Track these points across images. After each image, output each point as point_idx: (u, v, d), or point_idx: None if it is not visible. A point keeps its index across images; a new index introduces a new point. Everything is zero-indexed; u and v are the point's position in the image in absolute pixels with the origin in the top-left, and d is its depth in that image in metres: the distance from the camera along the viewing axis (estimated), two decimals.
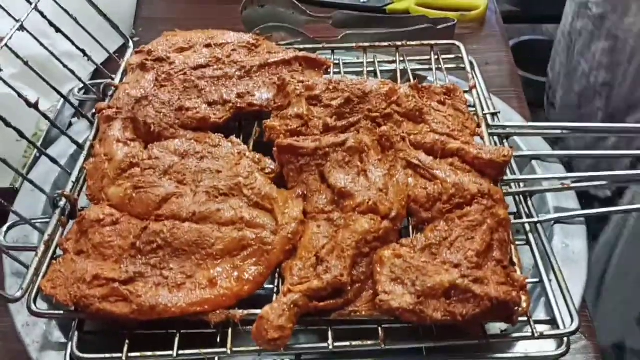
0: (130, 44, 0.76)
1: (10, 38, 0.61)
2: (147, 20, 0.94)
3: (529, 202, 0.60)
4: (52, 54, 0.67)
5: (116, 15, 0.81)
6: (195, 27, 0.87)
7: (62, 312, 0.50)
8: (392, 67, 0.76)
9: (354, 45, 0.78)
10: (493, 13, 0.95)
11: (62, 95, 0.66)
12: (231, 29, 0.84)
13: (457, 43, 0.77)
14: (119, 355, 0.48)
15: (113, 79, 0.72)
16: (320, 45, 0.78)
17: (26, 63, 0.61)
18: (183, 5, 0.98)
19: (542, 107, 1.71)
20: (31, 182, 0.57)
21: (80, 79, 0.68)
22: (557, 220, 0.60)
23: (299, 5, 0.88)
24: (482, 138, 0.64)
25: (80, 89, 0.71)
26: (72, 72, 0.67)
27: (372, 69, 0.76)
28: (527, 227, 0.58)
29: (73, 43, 0.69)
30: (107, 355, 0.48)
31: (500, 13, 0.97)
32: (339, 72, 0.75)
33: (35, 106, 0.59)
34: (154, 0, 0.98)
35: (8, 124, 0.56)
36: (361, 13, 0.92)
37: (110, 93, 0.69)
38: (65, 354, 0.49)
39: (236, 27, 0.86)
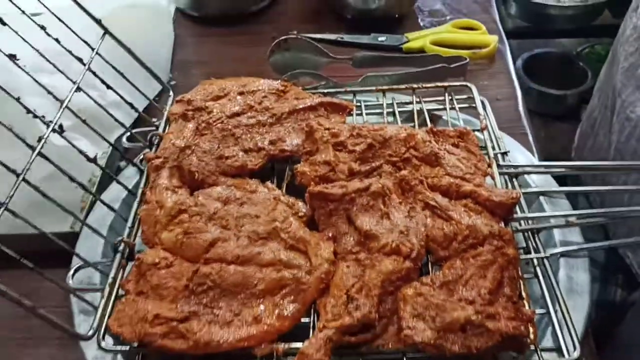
0: (171, 92, 0.84)
1: (69, 100, 0.68)
2: (182, 63, 1.02)
3: (536, 238, 0.66)
4: (103, 108, 0.74)
5: (155, 59, 0.89)
6: (225, 68, 0.95)
7: (128, 347, 0.58)
8: (409, 107, 0.83)
9: (373, 88, 0.85)
10: (503, 50, 1.01)
11: (113, 147, 0.74)
12: (258, 69, 0.92)
13: (469, 85, 0.83)
14: None
15: (156, 126, 0.79)
16: (343, 89, 0.85)
17: (84, 121, 0.69)
18: (214, 47, 1.05)
19: (555, 119, 1.75)
20: (93, 229, 0.64)
21: (129, 130, 0.76)
22: (562, 254, 0.66)
23: (321, 47, 0.94)
24: (493, 178, 0.71)
25: (127, 137, 0.79)
26: (122, 124, 0.75)
27: (390, 110, 0.83)
28: (535, 261, 0.64)
29: (121, 97, 0.76)
30: None
31: (514, 29, 1.03)
32: (361, 114, 0.82)
33: (94, 161, 0.67)
34: (187, 43, 1.05)
35: (72, 179, 0.64)
36: (379, 53, 0.98)
37: (155, 141, 0.77)
38: None
39: (263, 67, 0.94)
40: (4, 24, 0.66)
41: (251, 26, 1.10)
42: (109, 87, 0.74)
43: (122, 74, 0.77)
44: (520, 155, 0.78)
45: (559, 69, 2.02)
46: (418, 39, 1.02)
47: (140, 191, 0.71)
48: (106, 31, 0.78)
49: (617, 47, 0.82)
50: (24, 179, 0.59)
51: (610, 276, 0.99)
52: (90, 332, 0.57)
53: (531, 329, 0.56)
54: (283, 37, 0.93)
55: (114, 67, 0.76)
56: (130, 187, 0.74)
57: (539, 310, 0.61)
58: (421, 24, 1.08)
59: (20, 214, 0.56)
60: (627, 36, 0.78)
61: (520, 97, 0.92)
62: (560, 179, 0.75)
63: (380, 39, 1.03)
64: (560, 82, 1.93)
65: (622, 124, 0.77)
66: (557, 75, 1.98)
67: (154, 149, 0.76)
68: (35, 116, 0.63)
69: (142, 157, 0.76)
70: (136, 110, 0.78)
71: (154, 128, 0.79)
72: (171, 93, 0.84)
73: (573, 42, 2.13)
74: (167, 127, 0.79)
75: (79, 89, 0.71)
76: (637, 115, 0.73)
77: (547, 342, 0.60)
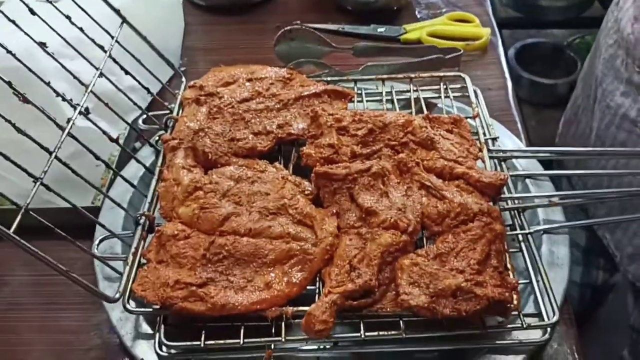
0: (184, 78, 0.89)
1: (94, 85, 0.74)
2: (191, 50, 1.07)
3: (522, 216, 0.73)
4: (121, 91, 0.79)
5: (166, 47, 0.94)
6: (232, 56, 1.01)
7: (151, 309, 0.64)
8: (406, 95, 0.89)
9: (373, 77, 0.91)
10: (495, 42, 1.06)
11: (132, 127, 0.79)
12: (263, 57, 0.98)
13: (463, 75, 0.89)
14: (198, 343, 0.61)
15: (170, 110, 0.85)
16: (345, 78, 0.91)
17: (107, 105, 0.75)
18: (221, 35, 1.11)
19: (547, 107, 1.81)
20: (117, 203, 0.70)
21: (146, 113, 0.82)
22: (545, 231, 0.73)
23: (324, 37, 1.00)
24: (483, 161, 0.77)
25: (143, 119, 0.84)
26: (140, 107, 0.81)
27: (389, 97, 0.89)
28: (520, 237, 0.71)
29: (138, 81, 0.82)
30: (189, 343, 0.62)
31: (507, 20, 1.09)
32: (361, 101, 0.88)
33: (116, 141, 0.73)
34: (195, 31, 1.10)
35: (97, 157, 0.70)
36: (378, 43, 1.04)
37: (170, 124, 0.82)
38: (154, 342, 0.63)
39: (269, 55, 1.00)
40: (34, 13, 0.71)
41: (256, 16, 1.15)
42: (127, 72, 0.80)
43: (139, 61, 0.82)
44: (509, 141, 0.85)
45: (550, 58, 2.08)
46: (415, 31, 1.08)
47: (157, 170, 0.76)
48: (124, 20, 0.83)
49: (600, 38, 0.88)
50: (55, 157, 0.64)
51: (592, 259, 1.06)
52: (117, 295, 0.63)
53: (515, 296, 0.63)
54: (288, 27, 0.99)
55: (131, 54, 0.82)
56: (146, 165, 0.79)
57: (522, 281, 0.67)
58: (418, 16, 1.14)
59: (33, 190, 0.61)
60: (609, 28, 0.84)
61: (510, 87, 0.98)
62: (546, 163, 0.82)
63: (379, 30, 1.08)
64: (550, 71, 1.99)
65: (602, 112, 0.83)
66: (548, 64, 2.04)
67: (169, 131, 0.81)
68: (64, 99, 0.69)
69: (157, 138, 0.82)
70: (152, 94, 0.83)
71: (168, 112, 0.84)
72: (183, 79, 0.89)
73: (564, 33, 2.19)
74: (181, 111, 0.84)
75: (101, 75, 0.76)
76: (616, 103, 0.80)
77: (529, 308, 0.66)
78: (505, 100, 0.95)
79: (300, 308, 0.62)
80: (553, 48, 2.15)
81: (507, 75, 0.99)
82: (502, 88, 0.97)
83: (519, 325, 0.62)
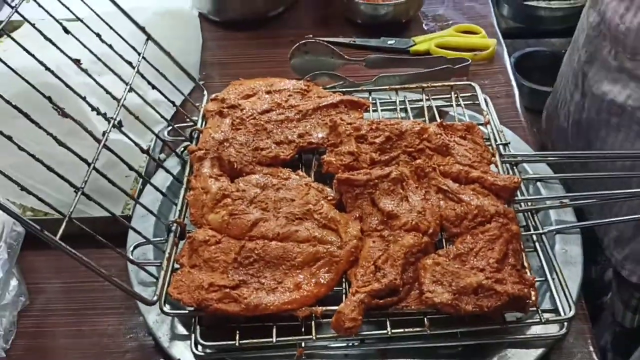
0: (205, 92, 0.93)
1: (125, 99, 0.77)
2: (209, 64, 1.11)
3: (535, 217, 0.76)
4: (149, 104, 0.83)
5: (186, 62, 0.98)
6: (248, 69, 1.05)
7: (186, 311, 0.67)
8: (419, 104, 0.93)
9: (387, 87, 0.94)
10: (501, 51, 1.10)
11: (160, 139, 0.83)
12: (278, 70, 1.02)
13: (473, 84, 0.93)
14: (233, 342, 0.65)
15: (193, 122, 0.89)
16: (359, 88, 0.95)
17: (137, 118, 0.78)
18: (236, 49, 1.15)
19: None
20: (150, 210, 0.74)
21: (172, 125, 0.85)
22: (558, 231, 0.76)
23: (337, 50, 1.04)
24: (496, 166, 0.81)
25: (169, 132, 0.88)
26: (166, 119, 0.84)
27: (403, 106, 0.92)
28: (535, 237, 0.74)
29: (164, 95, 0.85)
30: (224, 343, 0.65)
31: (508, 29, 1.13)
32: (376, 110, 0.92)
33: (147, 152, 0.76)
34: (211, 46, 1.14)
35: (131, 168, 0.73)
36: (389, 55, 1.08)
37: (195, 135, 0.86)
38: (191, 343, 0.66)
39: (283, 68, 1.03)
40: (68, 32, 0.75)
41: (269, 30, 1.19)
42: (154, 87, 0.83)
43: (164, 76, 0.86)
44: (519, 146, 0.88)
45: (549, 66, 2.12)
46: (424, 42, 1.12)
47: (185, 179, 0.80)
48: (149, 37, 0.87)
49: (578, 39, 0.93)
50: (94, 168, 0.68)
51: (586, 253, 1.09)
52: (155, 298, 0.66)
53: (532, 293, 0.66)
54: (302, 41, 1.03)
55: (156, 69, 0.85)
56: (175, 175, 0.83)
57: (538, 279, 0.70)
58: (425, 28, 1.18)
59: (75, 200, 0.64)
60: (589, 25, 0.88)
61: (517, 94, 1.01)
62: (554, 167, 0.85)
63: (389, 42, 1.12)
64: (550, 80, 2.03)
65: (590, 101, 0.88)
66: (547, 72, 2.08)
67: (194, 142, 0.85)
68: (99, 113, 0.72)
69: (182, 149, 0.86)
70: (177, 107, 0.87)
71: (191, 124, 0.88)
72: (205, 92, 0.93)
73: (562, 42, 2.23)
74: (204, 123, 0.88)
75: (131, 89, 0.80)
76: (602, 91, 0.85)
77: (546, 305, 0.69)
78: (512, 108, 0.99)
79: (329, 307, 0.66)
80: (551, 56, 2.19)
81: (513, 83, 1.03)
82: (509, 96, 1.01)
83: (538, 320, 0.66)
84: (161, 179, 0.84)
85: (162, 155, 0.92)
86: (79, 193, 0.65)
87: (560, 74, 1.05)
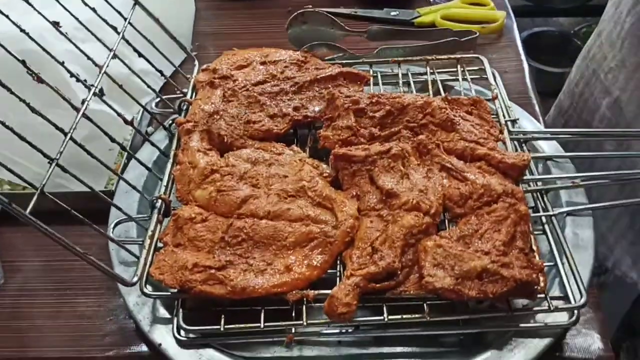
0: (196, 62, 0.87)
1: (107, 66, 0.72)
2: (202, 34, 1.05)
3: (545, 198, 0.71)
4: (135, 74, 0.78)
5: (178, 31, 0.92)
6: (245, 41, 0.99)
7: (169, 292, 0.63)
8: (423, 78, 0.88)
9: (389, 59, 0.89)
10: (510, 25, 1.05)
11: (147, 110, 0.78)
12: (275, 42, 0.96)
13: (481, 57, 0.88)
14: (217, 327, 0.60)
15: (183, 93, 0.83)
16: (360, 60, 0.90)
17: (121, 86, 0.73)
18: (231, 20, 1.09)
19: (554, 96, 1.81)
20: (132, 186, 0.69)
21: (160, 96, 0.80)
22: (569, 213, 0.71)
23: (337, 21, 0.98)
24: (504, 143, 0.75)
25: (157, 103, 0.83)
26: (154, 90, 0.79)
27: (405, 80, 0.87)
28: (544, 219, 0.69)
29: (152, 64, 0.80)
30: (208, 327, 0.61)
31: (514, 7, 1.08)
32: (377, 84, 0.86)
33: (131, 123, 0.71)
34: (207, 16, 1.09)
35: (113, 140, 0.68)
36: (392, 26, 1.02)
37: (184, 107, 0.81)
38: (173, 327, 0.61)
39: (280, 39, 0.98)
40: None
41: (266, 0, 1.14)
42: (140, 55, 0.78)
43: (151, 43, 0.81)
44: (529, 123, 0.83)
45: (557, 47, 2.06)
46: (429, 14, 1.06)
47: (172, 153, 0.75)
48: (136, 2, 0.82)
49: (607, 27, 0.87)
50: (71, 138, 0.63)
51: None
52: (135, 279, 0.61)
53: (541, 278, 0.61)
54: (300, 11, 0.97)
55: (143, 36, 0.80)
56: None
57: (547, 263, 0.65)
58: None
59: (49, 172, 0.59)
60: (628, 7, 0.82)
61: (527, 70, 0.96)
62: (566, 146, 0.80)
63: (392, 13, 1.07)
64: (557, 60, 1.98)
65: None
66: (555, 53, 2.02)
67: (183, 114, 0.80)
68: (78, 80, 0.68)
69: (171, 121, 0.81)
70: (165, 77, 0.82)
71: (181, 95, 0.83)
72: (196, 62, 0.87)
73: (571, 21, 2.17)
74: (194, 95, 0.83)
75: (115, 56, 0.75)
76: None
77: (555, 291, 0.65)
78: (522, 83, 0.94)
79: (322, 291, 0.61)
80: (560, 37, 2.13)
81: (523, 58, 0.98)
82: (518, 71, 0.96)
83: (546, 308, 0.61)
84: (147, 153, 0.80)
85: (150, 129, 0.87)
86: (53, 164, 0.60)
87: (578, 66, 0.98)
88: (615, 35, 0.86)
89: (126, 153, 0.77)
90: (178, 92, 0.84)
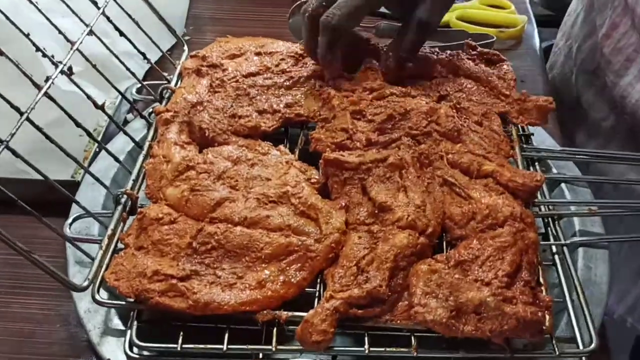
0: (186, 47, 0.80)
1: (81, 42, 0.65)
2: (197, 18, 0.98)
3: (557, 225, 0.63)
4: (115, 55, 0.71)
5: (170, 13, 0.86)
6: (243, 28, 0.92)
7: (123, 302, 0.55)
8: None
9: None
10: (531, 31, 0.97)
11: (123, 96, 0.71)
12: (276, 31, 0.89)
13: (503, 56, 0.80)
14: (175, 345, 0.53)
15: (168, 80, 0.76)
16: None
17: (94, 66, 0.66)
18: (231, 5, 1.02)
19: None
20: (96, 178, 0.62)
21: (140, 81, 0.73)
22: (582, 244, 0.64)
23: None
24: (515, 160, 0.68)
25: (137, 89, 0.76)
26: (133, 74, 0.72)
27: None
28: (554, 248, 0.61)
29: (134, 45, 0.73)
30: (164, 345, 0.53)
31: (537, 16, 1.01)
32: None
33: (102, 108, 0.64)
34: None
35: (78, 125, 0.61)
36: None
37: (166, 95, 0.74)
38: (125, 341, 0.54)
39: (281, 28, 0.91)
40: None
41: None
42: (122, 33, 0.71)
43: (136, 23, 0.74)
44: (544, 140, 0.75)
45: None
46: None
47: (147, 144, 0.68)
48: None
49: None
50: (27, 119, 0.56)
51: None
52: (85, 283, 0.54)
53: (547, 317, 0.54)
54: None
55: (128, 15, 0.73)
56: (136, 139, 0.71)
57: (555, 299, 0.58)
58: None
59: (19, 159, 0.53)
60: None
61: (546, 81, 0.88)
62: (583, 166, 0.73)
63: None
64: None
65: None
66: None
67: (164, 102, 0.73)
68: (45, 55, 0.61)
69: (151, 110, 0.73)
70: (148, 60, 0.75)
71: (165, 81, 0.76)
72: (185, 48, 0.80)
73: None
74: (180, 82, 0.75)
75: (91, 32, 0.68)
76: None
77: (561, 331, 0.57)
78: (540, 94, 0.85)
79: (297, 313, 0.54)
80: None
81: (542, 68, 0.90)
82: (536, 82, 0.88)
83: (550, 352, 0.53)
84: (122, 143, 0.72)
85: (130, 116, 0.80)
86: (2, 147, 0.53)
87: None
88: (568, 70, 0.80)
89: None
90: (165, 78, 0.77)
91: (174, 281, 0.54)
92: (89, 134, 0.62)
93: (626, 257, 0.76)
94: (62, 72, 0.61)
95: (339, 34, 0.69)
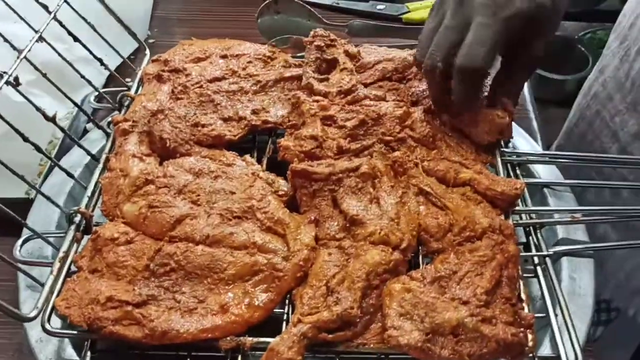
0: (147, 51, 0.76)
1: (29, 50, 0.61)
2: (162, 20, 0.94)
3: (539, 234, 0.60)
4: (68, 62, 0.67)
5: (132, 13, 0.81)
6: (210, 29, 0.88)
7: (75, 332, 0.51)
8: None
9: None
10: None
11: (78, 106, 0.66)
12: (245, 32, 0.85)
13: None
14: None
15: (129, 87, 0.72)
16: None
17: (44, 75, 0.62)
18: (199, 5, 0.97)
19: (557, 105, 1.70)
20: (47, 197, 0.57)
21: (96, 89, 0.69)
22: (566, 253, 0.60)
23: (315, 12, 0.87)
24: (494, 166, 0.64)
25: (95, 97, 0.72)
26: (89, 81, 0.68)
27: None
28: (536, 259, 0.58)
29: (90, 52, 0.69)
30: None
31: None
32: None
33: (52, 120, 0.60)
34: None
35: (26, 139, 0.57)
36: (377, 22, 0.91)
37: (126, 103, 0.69)
38: None
39: (250, 29, 0.87)
40: None
41: None
42: (76, 39, 0.67)
43: (92, 26, 0.69)
44: (524, 142, 0.72)
45: (560, 53, 1.96)
46: (420, 10, 0.95)
47: (104, 157, 0.63)
48: None
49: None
50: None
51: None
52: (34, 313, 0.50)
53: (530, 336, 0.50)
54: None
55: (83, 18, 0.69)
56: (95, 151, 0.67)
57: (537, 314, 0.55)
58: None
59: None
60: None
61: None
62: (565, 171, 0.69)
63: (379, 7, 0.96)
64: (559, 67, 1.87)
65: None
66: (557, 59, 1.91)
67: (123, 111, 0.68)
68: None
69: (110, 120, 0.69)
70: (106, 67, 0.70)
71: (124, 88, 0.71)
72: (147, 51, 0.76)
73: (576, 27, 2.07)
74: (140, 89, 0.71)
75: (41, 39, 0.63)
76: None
77: (545, 348, 0.54)
78: (520, 96, 0.82)
79: (262, 339, 0.50)
80: (563, 42, 2.03)
81: None
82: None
83: None
84: (79, 155, 0.68)
85: (90, 125, 0.76)
86: None
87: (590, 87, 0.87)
88: (623, 75, 0.75)
89: (54, 154, 0.66)
90: (124, 85, 0.72)
91: (129, 308, 0.50)
92: (38, 149, 0.58)
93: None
94: (7, 82, 0.57)
95: (483, 77, 0.62)
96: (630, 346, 0.83)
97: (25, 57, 0.60)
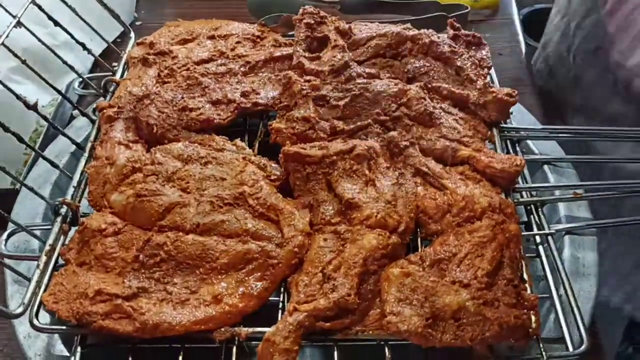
0: (132, 34, 0.73)
1: (7, 36, 0.58)
2: (149, 1, 0.91)
3: (540, 212, 0.58)
4: (50, 49, 0.65)
5: None
6: (200, 9, 0.85)
7: (64, 327, 0.50)
8: None
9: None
10: (507, 0, 0.91)
11: (61, 94, 0.64)
12: (236, 11, 0.82)
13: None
14: None
15: (114, 72, 0.70)
16: None
17: (24, 62, 0.59)
18: None
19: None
20: (31, 189, 0.55)
21: (80, 75, 0.67)
22: (569, 231, 0.59)
23: None
24: (493, 143, 0.63)
25: (80, 83, 0.69)
26: (72, 67, 0.65)
27: None
28: (538, 238, 0.57)
29: (72, 36, 0.66)
30: None
31: None
32: None
33: (34, 108, 0.58)
34: None
35: (6, 129, 0.55)
36: None
37: (111, 89, 0.67)
38: None
39: (241, 8, 0.84)
40: None
41: None
42: (56, 23, 0.64)
43: (73, 9, 0.67)
44: (524, 118, 0.70)
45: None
46: None
47: (89, 145, 0.61)
48: None
49: None
50: None
51: None
52: (21, 309, 0.48)
53: (533, 318, 0.49)
54: None
55: (63, 1, 0.66)
56: (80, 140, 0.65)
57: (540, 295, 0.53)
58: None
59: None
60: None
61: (524, 52, 0.83)
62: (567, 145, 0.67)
63: None
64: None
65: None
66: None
67: (109, 97, 0.66)
68: None
69: (95, 106, 0.67)
70: (89, 51, 0.68)
71: (109, 74, 0.69)
72: (132, 34, 0.73)
73: None
74: (126, 73, 0.69)
75: (19, 24, 0.61)
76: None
77: (548, 330, 0.53)
78: (518, 68, 0.80)
79: (258, 329, 0.48)
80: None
81: (521, 39, 0.84)
82: (514, 53, 0.82)
83: (538, 355, 0.49)
84: (65, 143, 0.66)
85: (76, 112, 0.73)
86: None
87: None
88: (565, 49, 0.73)
89: (39, 142, 0.64)
90: (110, 69, 0.70)
91: (119, 301, 0.48)
92: (19, 139, 0.56)
93: (626, 245, 0.71)
94: None
95: None
96: None
97: (3, 44, 0.57)
